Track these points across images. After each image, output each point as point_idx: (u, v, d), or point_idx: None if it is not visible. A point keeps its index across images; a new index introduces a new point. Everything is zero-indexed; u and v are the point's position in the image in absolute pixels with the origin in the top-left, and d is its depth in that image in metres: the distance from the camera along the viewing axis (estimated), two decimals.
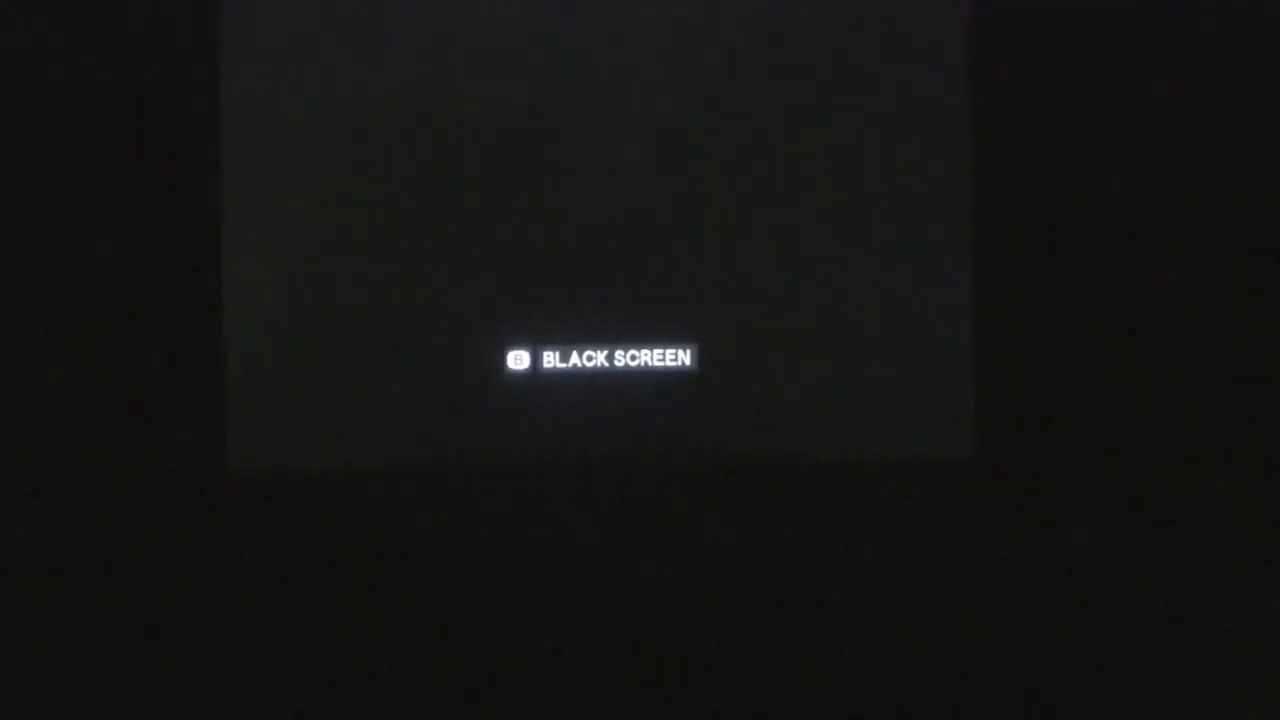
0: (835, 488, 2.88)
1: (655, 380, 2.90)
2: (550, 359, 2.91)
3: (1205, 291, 2.87)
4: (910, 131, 2.91)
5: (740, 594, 2.87)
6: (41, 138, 2.89)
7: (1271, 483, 2.87)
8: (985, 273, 2.89)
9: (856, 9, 2.92)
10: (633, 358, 2.90)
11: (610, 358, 2.91)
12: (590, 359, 2.91)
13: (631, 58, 2.92)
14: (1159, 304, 2.87)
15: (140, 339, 2.88)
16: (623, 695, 2.89)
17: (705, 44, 2.92)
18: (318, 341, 2.90)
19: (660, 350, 2.90)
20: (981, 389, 2.89)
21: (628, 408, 2.90)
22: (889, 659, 2.88)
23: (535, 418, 2.90)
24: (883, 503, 2.87)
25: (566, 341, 2.91)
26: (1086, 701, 2.87)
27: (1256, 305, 2.87)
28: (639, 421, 2.90)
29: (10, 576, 2.86)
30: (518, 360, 2.90)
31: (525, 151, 2.91)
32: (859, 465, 2.87)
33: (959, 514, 2.87)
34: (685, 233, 2.90)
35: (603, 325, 2.91)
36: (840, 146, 2.90)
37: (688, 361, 2.90)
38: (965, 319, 2.88)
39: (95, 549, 2.87)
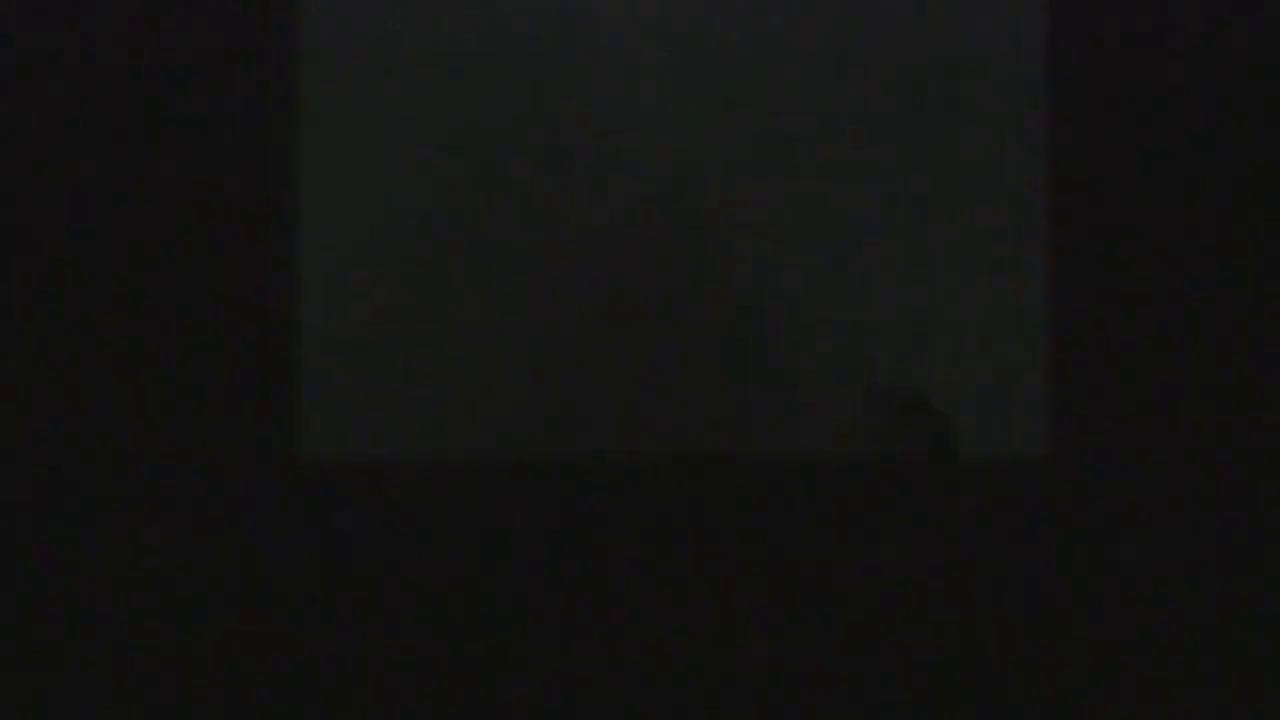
0: (901, 485, 2.87)
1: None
2: None
3: None
4: (984, 125, 2.90)
5: (802, 592, 2.87)
6: (120, 130, 2.91)
7: None
8: (1060, 266, 2.88)
9: (929, 7, 2.92)
10: None
11: None
12: None
13: (714, 66, 2.93)
14: (1243, 298, 2.86)
15: (214, 327, 2.89)
16: (670, 696, 2.90)
17: (775, 47, 2.92)
18: (395, 329, 2.91)
19: None
20: (1055, 385, 2.88)
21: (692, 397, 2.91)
22: (957, 658, 2.87)
23: (608, 407, 2.90)
24: (953, 501, 2.87)
25: None
26: (1160, 705, 2.86)
27: None
28: (697, 414, 2.90)
29: (80, 568, 2.88)
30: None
31: (601, 147, 2.92)
32: (926, 464, 2.87)
33: (1031, 514, 2.86)
34: (752, 231, 2.91)
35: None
36: (909, 141, 2.90)
37: None
38: (1039, 312, 2.88)
39: (167, 539, 2.88)
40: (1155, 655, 2.87)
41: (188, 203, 2.91)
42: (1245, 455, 2.87)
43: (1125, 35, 2.90)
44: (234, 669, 2.89)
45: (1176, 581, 2.86)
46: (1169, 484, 2.87)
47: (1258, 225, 2.86)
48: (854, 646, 2.87)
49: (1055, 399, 2.88)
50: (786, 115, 2.93)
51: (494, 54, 2.94)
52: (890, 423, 2.88)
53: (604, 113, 2.93)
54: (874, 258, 2.90)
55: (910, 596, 2.87)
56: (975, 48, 2.92)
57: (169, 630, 2.89)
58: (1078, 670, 2.87)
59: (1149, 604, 2.86)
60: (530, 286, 2.92)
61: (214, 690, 2.89)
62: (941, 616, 2.87)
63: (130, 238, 2.91)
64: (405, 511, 2.89)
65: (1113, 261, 2.88)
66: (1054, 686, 2.87)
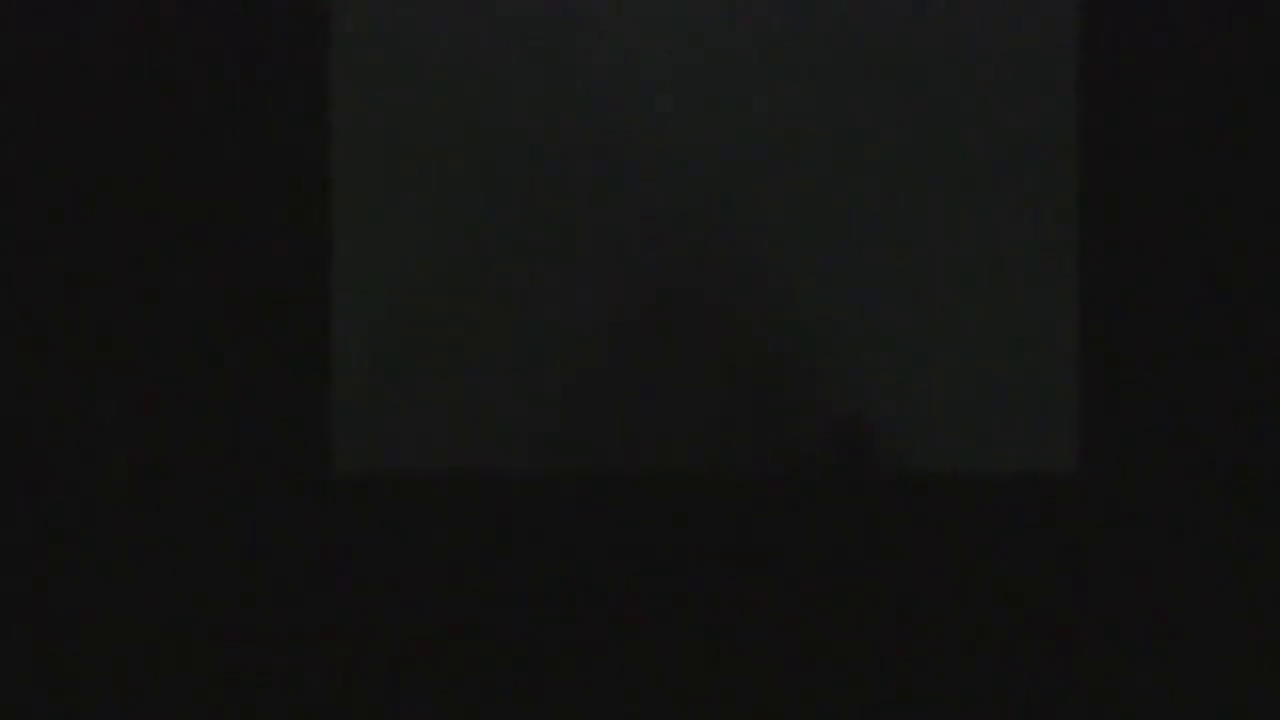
0: (931, 501, 2.87)
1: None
2: None
3: None
4: (1016, 136, 2.90)
5: (836, 608, 2.87)
6: (148, 143, 2.91)
7: None
8: (1092, 280, 2.88)
9: (961, 16, 2.91)
10: None
11: None
12: None
13: (744, 74, 2.92)
14: (1276, 313, 2.86)
15: (246, 342, 2.89)
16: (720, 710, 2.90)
17: (808, 56, 2.92)
18: (428, 343, 2.91)
19: None
20: (1087, 401, 2.87)
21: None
22: (985, 674, 2.87)
23: (645, 423, 2.90)
24: (983, 518, 2.86)
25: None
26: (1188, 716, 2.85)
27: None
28: (741, 432, 2.90)
29: (112, 584, 2.88)
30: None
31: (635, 159, 2.92)
32: (956, 479, 2.87)
33: (1061, 531, 2.86)
34: (783, 242, 2.90)
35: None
36: (941, 153, 2.90)
37: None
38: (1070, 327, 2.87)
39: (200, 556, 2.88)
40: (1184, 671, 2.86)
41: (221, 216, 2.91)
42: (1278, 470, 2.87)
43: (1159, 35, 2.90)
44: (267, 683, 2.89)
45: (1208, 596, 2.86)
46: (1200, 499, 2.86)
47: None
48: (878, 662, 2.87)
49: (1086, 414, 2.88)
50: (804, 119, 2.92)
51: (538, 60, 2.94)
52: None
53: (640, 119, 2.93)
54: (901, 269, 2.90)
55: (940, 612, 2.87)
56: (1007, 49, 2.91)
57: (202, 644, 2.89)
58: (1104, 684, 2.87)
59: (1180, 620, 2.86)
60: (569, 301, 2.92)
61: (245, 703, 2.89)
62: (970, 633, 2.87)
63: (162, 253, 2.91)
64: (437, 526, 2.89)
65: (1145, 272, 2.88)
66: (1083, 701, 2.87)
